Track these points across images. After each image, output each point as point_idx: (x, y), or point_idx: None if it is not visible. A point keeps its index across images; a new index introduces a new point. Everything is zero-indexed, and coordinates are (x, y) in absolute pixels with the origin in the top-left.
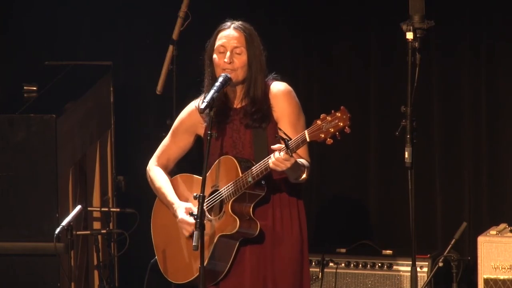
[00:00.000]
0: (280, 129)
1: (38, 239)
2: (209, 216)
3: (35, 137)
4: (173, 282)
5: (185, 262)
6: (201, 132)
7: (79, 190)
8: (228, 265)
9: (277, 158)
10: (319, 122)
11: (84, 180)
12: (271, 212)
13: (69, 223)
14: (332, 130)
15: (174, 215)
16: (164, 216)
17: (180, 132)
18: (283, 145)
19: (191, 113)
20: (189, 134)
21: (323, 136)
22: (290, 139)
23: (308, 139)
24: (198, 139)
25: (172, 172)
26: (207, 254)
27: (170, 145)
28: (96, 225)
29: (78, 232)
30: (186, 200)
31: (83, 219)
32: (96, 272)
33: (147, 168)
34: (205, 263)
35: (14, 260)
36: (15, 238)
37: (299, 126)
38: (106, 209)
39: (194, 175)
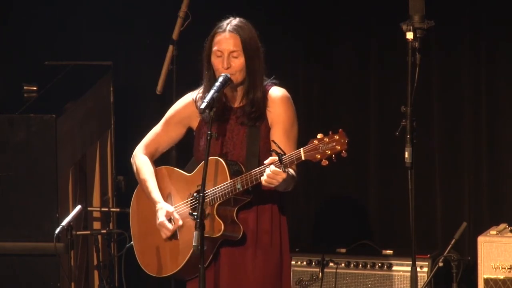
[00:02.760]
0: (275, 143)
1: (38, 239)
2: (194, 215)
3: (35, 137)
4: (151, 274)
5: (165, 256)
6: (195, 125)
7: (79, 190)
8: (208, 261)
9: (268, 174)
10: (316, 142)
11: (84, 180)
12: (253, 215)
13: (69, 223)
14: (329, 152)
15: (156, 214)
16: (146, 205)
17: (173, 122)
18: (276, 159)
19: (187, 105)
20: (182, 125)
21: (319, 157)
22: (284, 153)
23: (303, 158)
24: (189, 132)
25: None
26: (188, 253)
27: (161, 134)
28: (96, 225)
29: (78, 232)
30: (168, 194)
31: (83, 219)
32: (96, 272)
33: (134, 153)
34: (185, 261)
35: (14, 260)
36: (15, 238)
37: (291, 134)
38: (106, 209)
39: (178, 169)
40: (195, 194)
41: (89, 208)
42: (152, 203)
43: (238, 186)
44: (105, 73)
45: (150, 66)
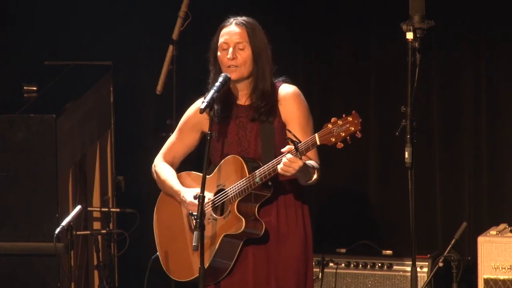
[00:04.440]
0: (290, 131)
1: (38, 239)
2: (214, 215)
3: (35, 137)
4: (176, 279)
5: (188, 260)
6: (207, 129)
7: (79, 190)
8: (232, 264)
9: (284, 162)
10: (330, 125)
11: (84, 180)
12: (276, 212)
13: (69, 223)
14: (343, 134)
15: (182, 201)
16: (168, 212)
17: (186, 129)
18: (293, 147)
19: (197, 110)
20: (195, 131)
21: (333, 140)
22: (300, 141)
23: (318, 143)
24: (204, 137)
25: (177, 170)
26: (211, 253)
27: (176, 142)
28: (96, 225)
29: (78, 232)
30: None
31: (83, 219)
32: (96, 272)
33: (153, 164)
34: (208, 262)
35: (14, 260)
36: (15, 238)
37: (308, 129)
38: (106, 209)
39: (200, 173)
40: (195, 194)
41: (89, 208)
42: (175, 196)
43: (257, 179)
44: (105, 73)
45: (150, 66)
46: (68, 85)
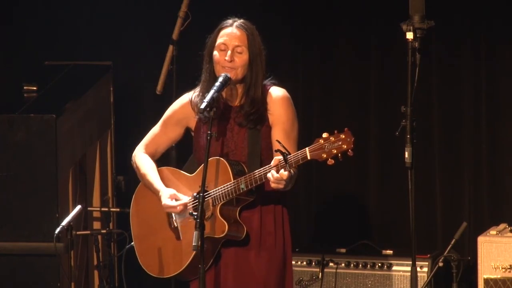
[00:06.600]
0: (280, 142)
1: (38, 239)
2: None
3: (35, 137)
4: (153, 275)
5: (168, 256)
6: (192, 125)
7: (79, 190)
8: (208, 265)
9: (276, 178)
10: (321, 141)
11: (84, 180)
12: (258, 215)
13: (69, 223)
14: (335, 152)
15: (160, 201)
16: (148, 205)
17: (171, 123)
18: (281, 158)
19: (184, 105)
20: (180, 126)
21: (325, 156)
22: (289, 153)
23: (309, 157)
24: (187, 132)
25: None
26: (191, 254)
27: (160, 135)
28: (96, 225)
29: (78, 232)
30: None
31: (83, 219)
32: (96, 272)
33: (134, 153)
34: (188, 261)
35: (14, 260)
36: (15, 238)
37: (292, 134)
38: (106, 209)
39: (179, 170)
40: (195, 194)
41: (89, 208)
42: (155, 193)
43: (242, 186)
44: (105, 73)
45: (150, 66)
46: (68, 85)
